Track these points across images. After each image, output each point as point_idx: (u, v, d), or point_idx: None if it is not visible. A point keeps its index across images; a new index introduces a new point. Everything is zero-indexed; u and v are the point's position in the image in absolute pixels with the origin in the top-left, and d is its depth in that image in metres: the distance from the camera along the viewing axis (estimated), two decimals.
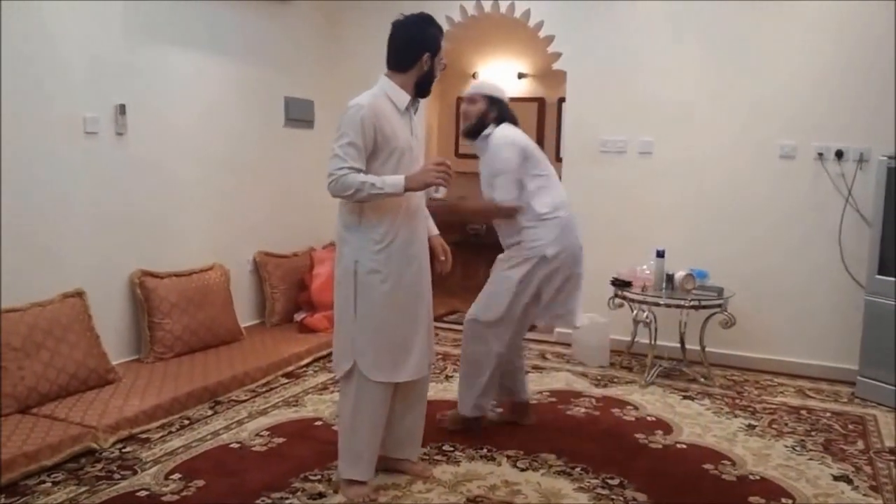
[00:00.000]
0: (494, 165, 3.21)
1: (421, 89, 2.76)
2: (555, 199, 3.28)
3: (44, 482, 2.82)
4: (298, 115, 5.34)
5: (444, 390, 4.04)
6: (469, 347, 3.36)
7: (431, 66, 2.73)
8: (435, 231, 2.99)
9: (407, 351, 2.73)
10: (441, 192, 2.80)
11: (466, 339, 3.37)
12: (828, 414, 3.87)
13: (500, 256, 3.36)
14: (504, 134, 3.23)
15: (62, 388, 3.38)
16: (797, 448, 3.38)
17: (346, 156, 2.55)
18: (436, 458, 3.15)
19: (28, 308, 3.39)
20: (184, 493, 2.77)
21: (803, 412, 3.87)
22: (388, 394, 2.77)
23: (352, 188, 2.54)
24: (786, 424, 3.68)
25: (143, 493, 2.76)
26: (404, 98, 2.70)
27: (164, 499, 2.72)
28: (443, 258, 2.98)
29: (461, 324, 5.62)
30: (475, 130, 3.30)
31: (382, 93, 2.69)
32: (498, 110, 3.29)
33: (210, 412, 3.62)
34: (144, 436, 3.28)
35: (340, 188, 2.55)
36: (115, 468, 2.96)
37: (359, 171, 2.56)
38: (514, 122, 3.33)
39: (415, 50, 2.70)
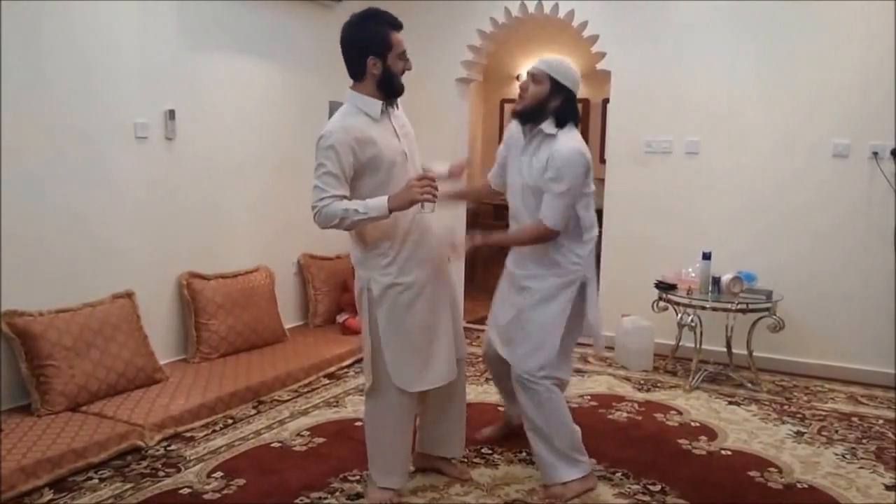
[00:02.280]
0: (559, 181, 2.68)
1: (386, 93, 2.58)
2: (594, 216, 2.90)
3: (91, 478, 2.90)
4: None
5: (484, 393, 4.03)
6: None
7: (385, 68, 2.52)
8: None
9: (431, 358, 2.68)
10: (429, 208, 2.57)
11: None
12: (881, 421, 3.73)
13: (528, 284, 2.86)
14: (575, 147, 2.71)
15: (111, 387, 3.48)
16: (847, 456, 3.27)
17: (325, 185, 2.44)
18: (474, 460, 3.14)
19: (80, 308, 3.51)
20: (225, 492, 2.82)
21: (854, 419, 3.75)
22: (414, 402, 2.75)
23: (336, 217, 2.44)
24: (836, 431, 3.57)
25: (185, 491, 2.81)
26: (375, 106, 2.56)
27: (205, 497, 2.78)
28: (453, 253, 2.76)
29: None
30: (529, 116, 2.79)
31: (353, 107, 2.57)
32: (563, 102, 2.75)
33: (253, 412, 3.67)
34: (189, 434, 3.35)
35: (325, 219, 2.45)
36: (159, 466, 3.03)
37: (342, 198, 2.46)
38: (578, 121, 2.84)
39: (358, 56, 2.54)
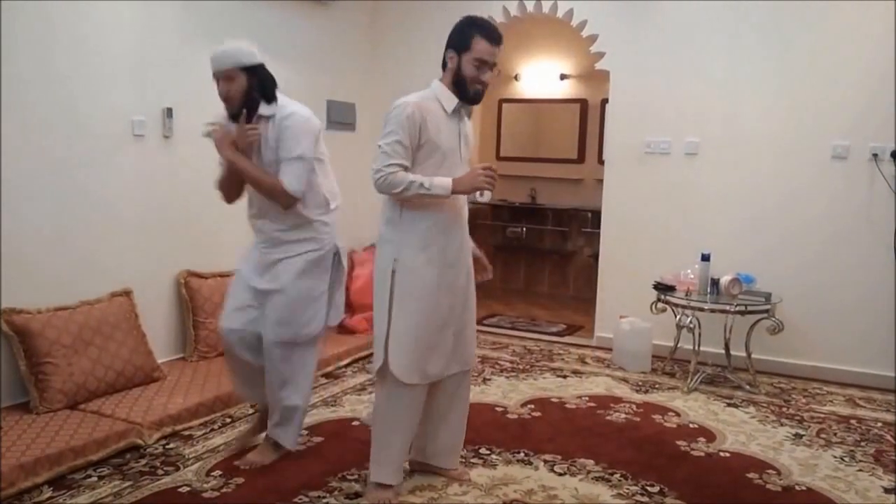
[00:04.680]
0: (293, 150, 2.84)
1: (458, 91, 2.67)
2: (335, 186, 3.09)
3: (90, 476, 2.89)
4: (340, 117, 5.39)
5: (482, 393, 4.02)
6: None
7: (458, 65, 2.63)
8: (471, 243, 2.90)
9: (433, 353, 2.70)
10: (486, 196, 2.76)
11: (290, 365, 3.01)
12: (879, 424, 3.74)
13: (281, 258, 2.97)
14: (303, 113, 2.90)
15: (109, 385, 3.47)
16: (846, 458, 3.28)
17: (393, 153, 2.55)
18: (472, 460, 3.14)
19: (78, 306, 3.50)
20: (224, 490, 2.82)
21: (853, 422, 3.75)
22: (418, 397, 2.74)
23: (400, 186, 2.54)
24: (834, 434, 3.57)
25: (184, 490, 2.81)
26: (451, 100, 2.67)
27: (204, 495, 2.77)
28: (484, 270, 2.93)
29: (500, 326, 5.66)
30: (242, 111, 2.86)
31: (432, 95, 2.68)
32: (261, 79, 2.88)
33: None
34: (187, 433, 3.34)
35: (387, 186, 2.55)
36: (158, 464, 3.02)
37: (405, 168, 2.57)
38: (276, 84, 2.95)
39: (446, 49, 2.69)
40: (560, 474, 3.03)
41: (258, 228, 3.06)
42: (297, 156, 2.84)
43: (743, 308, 4.07)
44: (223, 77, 2.87)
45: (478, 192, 2.69)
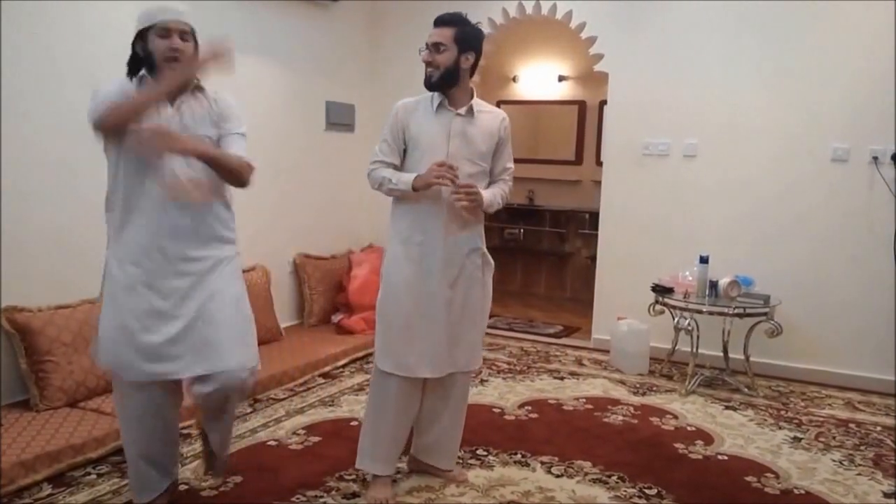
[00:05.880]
0: (241, 126, 2.66)
1: None
2: None
3: (89, 474, 2.90)
4: (339, 119, 5.39)
5: (479, 394, 4.02)
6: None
7: None
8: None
9: (411, 347, 2.70)
10: (445, 193, 2.70)
11: None
12: (878, 428, 3.74)
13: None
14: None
15: (109, 384, 3.44)
16: (845, 462, 3.28)
17: (379, 151, 2.73)
18: (469, 461, 3.14)
19: (78, 305, 3.50)
20: (222, 489, 2.82)
21: (852, 425, 3.76)
22: (405, 391, 2.75)
23: (377, 182, 2.72)
24: (833, 438, 3.58)
25: (182, 488, 2.81)
26: (437, 98, 2.71)
27: (202, 493, 2.78)
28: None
29: (497, 328, 5.65)
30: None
31: (429, 95, 2.74)
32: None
33: (249, 410, 3.67)
34: (186, 431, 3.32)
35: (372, 181, 2.75)
36: None
37: (389, 165, 2.71)
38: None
39: None
40: (557, 476, 3.03)
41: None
42: (244, 132, 2.63)
43: (741, 311, 4.07)
44: (180, 33, 2.56)
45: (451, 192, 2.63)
